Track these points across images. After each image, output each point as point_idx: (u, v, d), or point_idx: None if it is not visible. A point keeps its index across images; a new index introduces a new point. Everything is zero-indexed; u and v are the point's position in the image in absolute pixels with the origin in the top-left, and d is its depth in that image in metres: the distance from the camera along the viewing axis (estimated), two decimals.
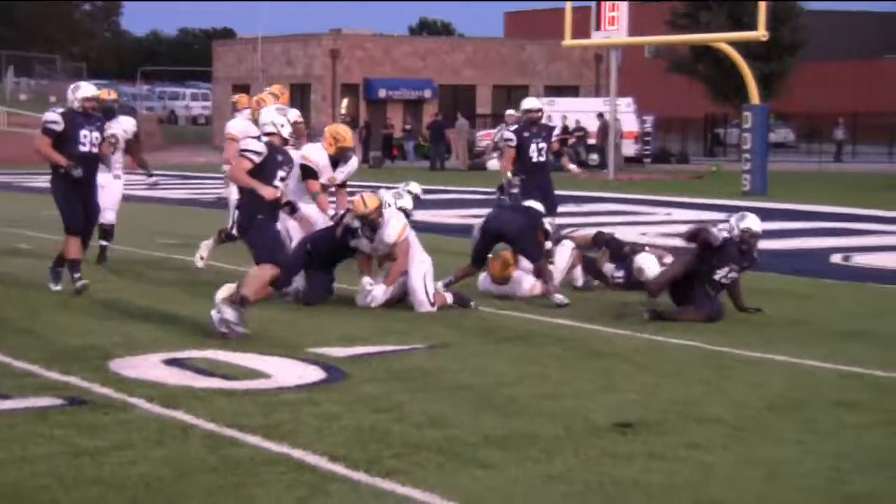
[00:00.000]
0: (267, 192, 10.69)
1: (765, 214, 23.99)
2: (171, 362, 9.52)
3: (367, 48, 63.57)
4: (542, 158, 15.57)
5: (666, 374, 9.39)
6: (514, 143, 15.61)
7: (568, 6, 30.95)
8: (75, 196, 12.72)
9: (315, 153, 13.12)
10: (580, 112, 48.82)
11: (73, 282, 12.73)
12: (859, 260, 16.88)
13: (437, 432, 7.55)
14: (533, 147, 15.48)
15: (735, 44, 33.28)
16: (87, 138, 12.60)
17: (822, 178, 40.57)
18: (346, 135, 13.30)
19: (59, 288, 12.82)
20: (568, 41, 32.41)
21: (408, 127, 56.27)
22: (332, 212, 13.05)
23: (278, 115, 11.05)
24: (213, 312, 10.56)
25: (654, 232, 20.06)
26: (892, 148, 54.05)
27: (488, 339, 10.89)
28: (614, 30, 33.99)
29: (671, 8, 60.37)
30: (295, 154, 12.41)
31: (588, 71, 66.83)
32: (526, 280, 13.07)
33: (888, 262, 16.49)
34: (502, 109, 59.58)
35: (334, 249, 12.56)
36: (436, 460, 6.98)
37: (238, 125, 14.66)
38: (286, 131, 10.95)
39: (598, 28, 33.63)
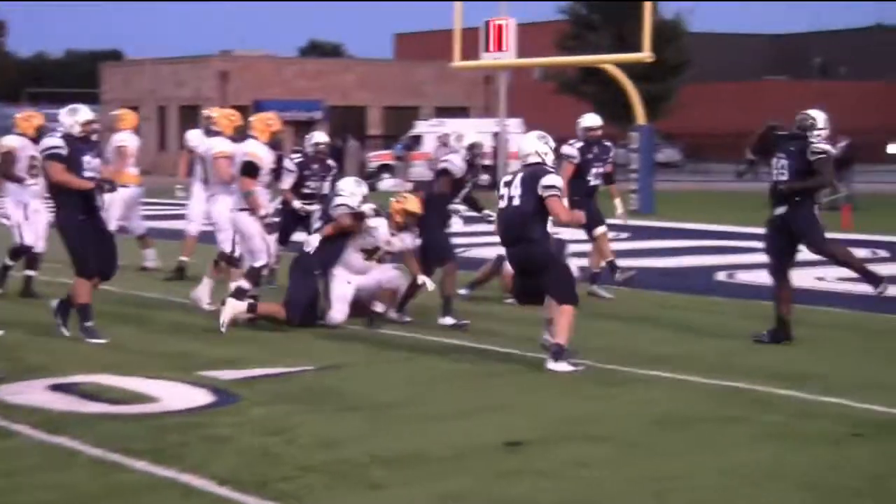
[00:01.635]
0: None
1: (653, 233, 24.35)
2: (57, 388, 9.38)
3: (258, 69, 63.34)
4: (597, 183, 14.98)
5: (555, 393, 9.45)
6: (576, 161, 14.80)
7: (457, 28, 31.10)
8: (90, 233, 11.50)
9: (260, 150, 12.73)
10: (469, 133, 49.00)
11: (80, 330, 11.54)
12: (743, 277, 17.15)
13: (326, 454, 7.52)
14: (593, 170, 14.87)
15: (621, 65, 33.69)
16: (90, 164, 11.55)
17: (710, 197, 41.16)
18: (275, 118, 13.24)
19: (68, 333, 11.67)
20: (457, 63, 32.54)
21: (298, 149, 56.04)
22: (264, 211, 12.81)
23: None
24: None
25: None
26: None
27: (379, 359, 10.88)
28: (503, 51, 34.16)
29: (559, 30, 60.95)
30: (238, 151, 12.87)
31: (478, 92, 67.17)
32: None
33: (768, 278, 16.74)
34: (392, 130, 59.91)
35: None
36: (325, 482, 6.95)
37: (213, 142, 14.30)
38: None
39: (487, 50, 33.81)
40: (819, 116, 11.69)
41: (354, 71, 67.52)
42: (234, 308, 12.10)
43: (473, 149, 13.49)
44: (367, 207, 12.69)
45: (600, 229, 14.81)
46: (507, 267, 14.02)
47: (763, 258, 14.53)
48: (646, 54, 28.04)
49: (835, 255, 11.88)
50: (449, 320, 12.54)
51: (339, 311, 12.52)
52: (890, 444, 7.81)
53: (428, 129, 49.27)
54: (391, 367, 10.49)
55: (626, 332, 12.22)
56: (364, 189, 12.84)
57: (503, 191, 10.61)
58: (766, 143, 11.67)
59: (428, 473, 7.17)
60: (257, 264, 12.73)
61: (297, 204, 15.04)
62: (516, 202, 10.45)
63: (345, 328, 12.31)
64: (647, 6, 27.80)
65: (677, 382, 9.85)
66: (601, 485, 6.98)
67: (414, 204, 12.75)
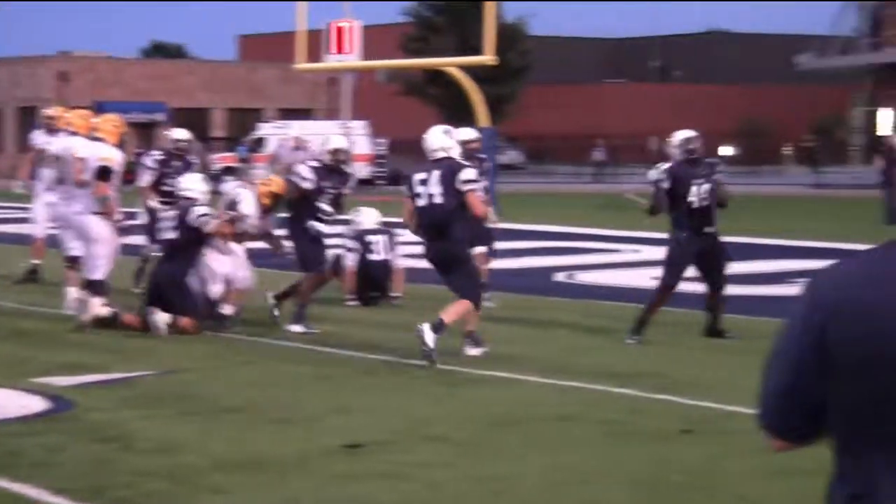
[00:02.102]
0: None
1: (496, 234, 24.47)
2: None
3: (98, 70, 62.35)
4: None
5: (395, 394, 9.53)
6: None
7: (300, 29, 31.00)
8: None
9: (112, 153, 12.67)
10: (314, 135, 48.92)
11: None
12: (582, 278, 17.44)
13: (166, 459, 7.49)
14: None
15: (465, 67, 33.93)
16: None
17: (551, 199, 41.70)
18: (119, 120, 13.23)
19: None
20: (300, 65, 32.42)
21: (140, 151, 55.27)
22: (118, 216, 12.65)
23: None
24: None
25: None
26: (618, 167, 55.86)
27: (218, 363, 10.84)
28: (347, 53, 34.15)
29: (403, 32, 61.17)
30: (90, 155, 12.60)
31: (322, 94, 67.04)
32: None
33: (608, 279, 17.09)
34: (236, 132, 59.46)
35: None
36: (165, 488, 6.92)
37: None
38: None
39: (330, 52, 33.75)
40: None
41: (197, 72, 66.85)
42: (93, 307, 11.96)
43: (337, 154, 12.83)
44: (232, 186, 12.83)
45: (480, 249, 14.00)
46: (349, 267, 14.08)
47: (602, 258, 14.78)
48: (488, 57, 28.28)
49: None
50: (298, 328, 12.43)
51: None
52: (717, 439, 8.04)
53: (272, 131, 49.04)
54: (232, 372, 10.46)
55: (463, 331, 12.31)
56: (207, 185, 12.78)
57: (420, 189, 10.78)
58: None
59: (268, 478, 7.18)
60: (96, 277, 12.46)
61: (153, 203, 14.75)
62: (438, 200, 10.66)
63: (183, 335, 12.21)
64: (490, 9, 28.05)
65: (516, 382, 10.00)
66: (440, 486, 7.07)
67: (279, 186, 12.79)
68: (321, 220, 12.57)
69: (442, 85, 56.52)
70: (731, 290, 12.38)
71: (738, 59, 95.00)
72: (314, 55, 33.93)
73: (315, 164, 12.84)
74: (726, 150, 63.61)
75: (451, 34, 57.56)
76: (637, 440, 8.06)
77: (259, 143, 49.03)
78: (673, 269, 11.86)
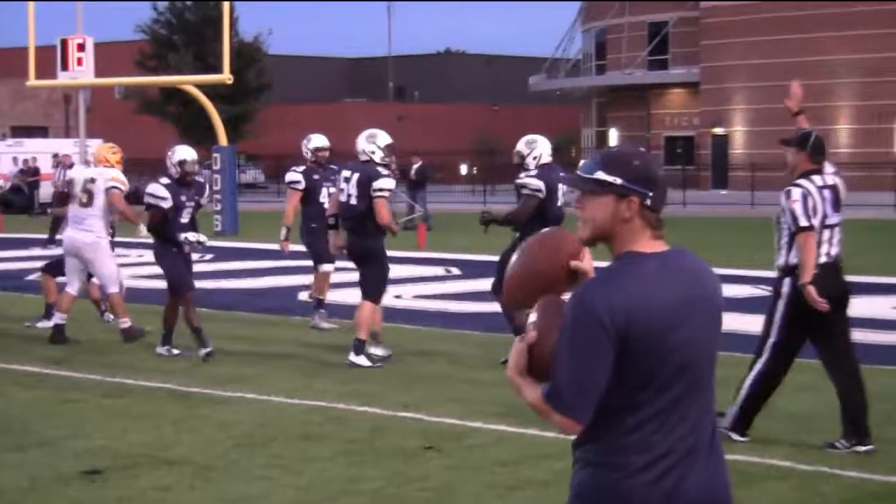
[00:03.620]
0: None
1: (237, 254, 24.37)
2: None
3: None
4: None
5: (136, 418, 9.38)
6: (301, 187, 14.25)
7: (31, 45, 30.19)
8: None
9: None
10: (43, 153, 47.74)
11: None
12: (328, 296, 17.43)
13: None
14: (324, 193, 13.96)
15: (202, 86, 33.64)
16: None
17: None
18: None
19: None
20: (32, 82, 31.57)
21: None
22: None
23: None
24: None
25: (128, 274, 19.87)
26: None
27: None
28: (81, 70, 33.40)
29: (140, 49, 60.18)
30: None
31: (57, 111, 65.35)
32: None
33: (351, 298, 17.14)
34: None
35: None
36: None
37: None
38: None
39: (64, 68, 32.95)
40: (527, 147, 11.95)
41: None
42: None
43: (184, 165, 12.39)
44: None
45: (326, 267, 14.14)
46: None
47: (344, 277, 14.88)
48: (225, 76, 28.13)
49: None
50: (203, 351, 12.00)
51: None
52: (458, 454, 8.19)
53: (4, 150, 47.69)
54: None
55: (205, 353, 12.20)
56: None
57: (343, 185, 11.72)
58: None
59: None
60: None
61: None
62: (353, 201, 11.57)
63: None
64: (226, 27, 27.90)
65: (260, 402, 9.97)
66: None
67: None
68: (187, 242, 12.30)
69: (180, 103, 55.90)
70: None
71: (475, 80, 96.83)
72: (48, 71, 33.13)
73: (166, 181, 12.35)
74: (464, 169, 64.77)
75: (188, 52, 56.93)
76: (380, 458, 8.13)
77: None
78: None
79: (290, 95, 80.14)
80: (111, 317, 13.89)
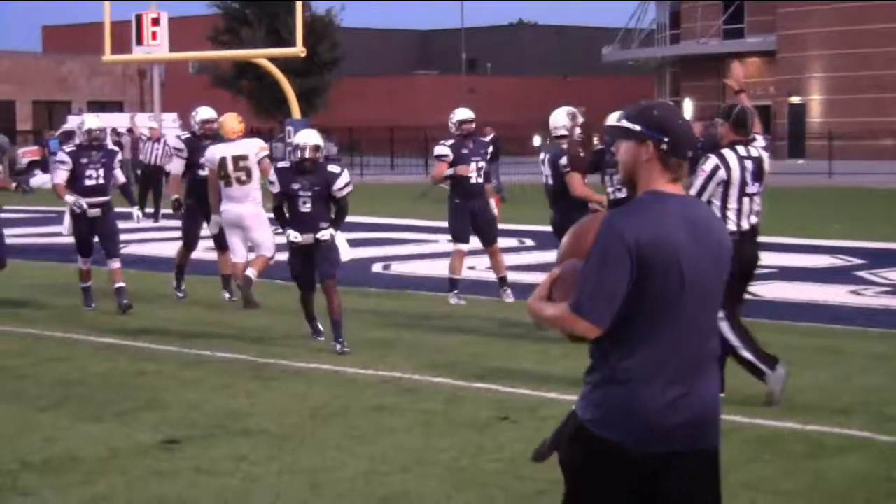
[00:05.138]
0: None
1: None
2: None
3: None
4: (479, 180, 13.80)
5: (211, 388, 9.45)
6: (449, 159, 13.76)
7: (107, 21, 30.43)
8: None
9: None
10: (120, 128, 48.17)
11: None
12: (398, 268, 17.51)
13: None
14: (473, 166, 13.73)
15: (275, 60, 33.73)
16: None
17: (365, 190, 41.73)
18: None
19: None
20: (108, 57, 31.80)
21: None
22: None
23: None
24: None
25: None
26: (429, 159, 56.25)
27: (24, 360, 10.59)
28: (156, 45, 33.59)
29: (212, 24, 60.49)
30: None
31: (131, 86, 65.92)
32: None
33: (423, 269, 17.20)
34: (43, 126, 58.10)
35: None
36: None
37: None
38: None
39: (139, 43, 33.14)
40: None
41: (0, 64, 65.00)
42: None
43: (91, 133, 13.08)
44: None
45: (461, 246, 13.89)
46: None
47: (417, 249, 14.87)
48: (298, 49, 28.18)
49: None
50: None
51: None
52: (532, 425, 8.17)
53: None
54: (37, 370, 10.22)
55: (281, 326, 12.27)
56: None
57: (541, 167, 12.20)
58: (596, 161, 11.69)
59: (80, 477, 7.06)
60: None
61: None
62: (549, 181, 12.06)
63: None
64: (299, 2, 27.94)
65: (333, 374, 10.01)
66: (258, 479, 7.04)
67: None
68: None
69: (252, 77, 56.13)
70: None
71: (546, 51, 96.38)
72: (122, 47, 33.39)
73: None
74: (537, 141, 64.54)
75: (261, 26, 57.13)
76: (454, 428, 8.13)
77: (69, 136, 47.99)
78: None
79: (362, 68, 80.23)
80: (227, 295, 13.97)
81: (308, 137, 11.13)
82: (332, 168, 11.31)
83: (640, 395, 3.86)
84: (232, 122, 13.14)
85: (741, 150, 8.77)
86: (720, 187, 8.68)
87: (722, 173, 8.64)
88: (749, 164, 8.74)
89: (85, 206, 13.14)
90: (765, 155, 8.90)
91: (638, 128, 3.97)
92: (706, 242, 3.93)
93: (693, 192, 8.55)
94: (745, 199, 8.74)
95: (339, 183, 11.16)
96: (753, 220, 8.81)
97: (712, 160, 8.68)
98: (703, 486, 3.98)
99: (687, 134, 3.99)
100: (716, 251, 3.97)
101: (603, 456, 3.91)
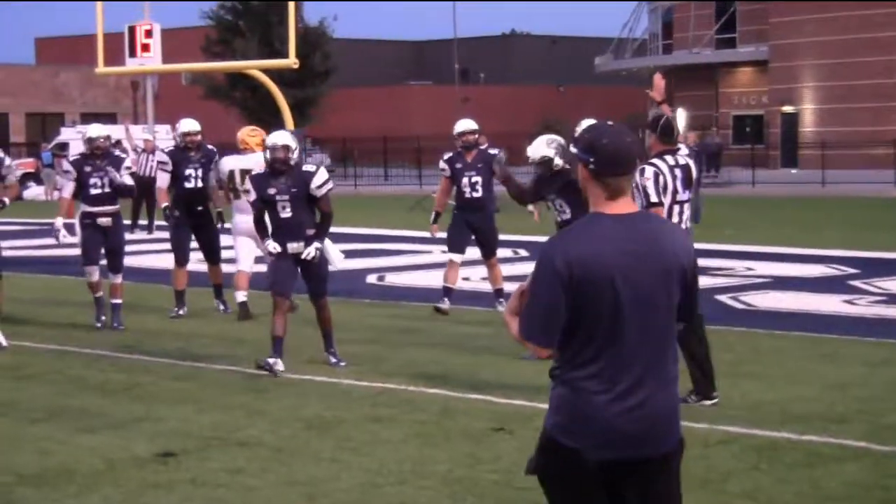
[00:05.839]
0: None
1: None
2: None
3: None
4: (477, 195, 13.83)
5: (206, 400, 9.43)
6: (447, 174, 13.97)
7: (99, 32, 30.43)
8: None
9: None
10: (124, 139, 48.12)
11: None
12: (393, 279, 17.50)
13: None
14: (464, 180, 13.80)
15: (268, 71, 33.74)
16: None
17: (359, 201, 41.74)
18: None
19: None
20: (101, 69, 31.78)
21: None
22: None
23: None
24: None
25: None
26: (423, 169, 56.27)
27: (18, 373, 10.58)
28: (148, 56, 33.59)
29: (205, 35, 60.51)
30: None
31: (125, 97, 65.90)
32: None
33: (418, 280, 17.19)
34: (37, 137, 58.02)
35: None
36: None
37: None
38: None
39: (132, 55, 33.14)
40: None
41: None
42: None
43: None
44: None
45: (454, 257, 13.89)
46: None
47: (412, 260, 14.86)
48: (291, 60, 28.18)
49: None
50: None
51: None
52: (529, 436, 8.15)
53: (74, 136, 48.09)
54: (27, 384, 10.20)
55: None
56: None
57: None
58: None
59: (75, 489, 7.05)
60: None
61: None
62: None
63: None
64: (291, 12, 27.96)
65: (329, 385, 10.00)
66: (253, 490, 7.04)
67: None
68: None
69: (246, 88, 56.15)
70: None
71: (539, 61, 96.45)
72: (115, 58, 33.39)
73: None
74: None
75: (254, 37, 57.16)
76: (450, 440, 8.13)
77: (62, 147, 47.96)
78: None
79: (355, 79, 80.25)
80: (223, 306, 14.02)
81: (277, 137, 10.98)
82: (308, 167, 10.97)
83: (593, 404, 4.03)
84: (244, 135, 13.63)
85: (669, 159, 8.93)
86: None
87: (661, 179, 8.84)
88: (678, 172, 8.91)
89: (63, 233, 13.04)
90: (691, 163, 9.08)
91: (574, 150, 4.18)
92: (651, 256, 4.06)
93: (654, 199, 8.74)
94: (676, 207, 8.91)
95: (317, 181, 10.72)
96: (685, 226, 8.92)
97: (650, 168, 8.86)
98: (659, 493, 4.14)
99: (613, 153, 4.07)
100: (664, 262, 4.08)
101: (564, 462, 4.09)
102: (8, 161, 12.31)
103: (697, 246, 4.43)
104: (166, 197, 14.21)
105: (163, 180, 14.22)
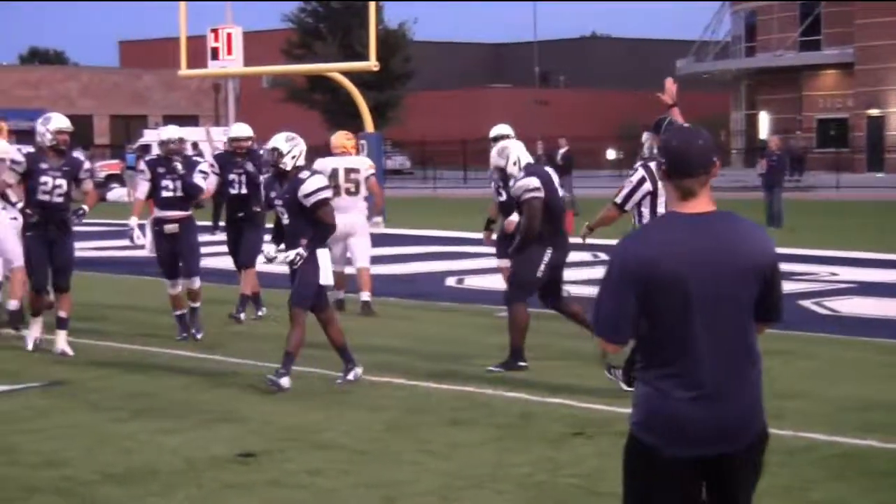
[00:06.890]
0: None
1: (383, 240, 24.55)
2: None
3: None
4: None
5: (286, 402, 9.48)
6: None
7: (182, 36, 30.74)
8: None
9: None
10: (204, 141, 48.57)
11: None
12: (472, 282, 17.49)
13: (52, 472, 7.38)
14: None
15: (348, 73, 33.92)
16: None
17: (438, 203, 41.80)
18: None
19: None
20: (184, 71, 32.12)
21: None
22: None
23: None
24: None
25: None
26: None
27: (102, 372, 10.69)
28: (230, 59, 33.90)
29: (286, 38, 60.94)
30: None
31: (206, 100, 66.54)
32: None
33: (497, 283, 17.14)
34: (120, 140, 58.77)
35: None
36: (53, 502, 6.81)
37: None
38: None
39: (214, 58, 33.46)
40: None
41: (78, 79, 65.94)
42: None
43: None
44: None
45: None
46: None
47: (491, 263, 14.84)
48: (372, 63, 28.29)
49: None
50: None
51: None
52: (608, 440, 8.12)
53: (156, 138, 48.59)
54: (116, 382, 10.32)
55: (357, 339, 12.28)
56: None
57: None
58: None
59: (158, 488, 7.11)
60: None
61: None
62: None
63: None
64: (372, 14, 28.07)
65: (407, 388, 10.00)
66: (332, 493, 7.05)
67: None
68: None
69: (325, 91, 56.50)
70: None
71: (620, 64, 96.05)
72: (197, 61, 33.71)
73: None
74: (610, 154, 64.35)
75: (334, 41, 57.48)
76: (528, 444, 8.10)
77: (145, 149, 48.53)
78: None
79: (434, 81, 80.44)
80: (265, 309, 14.01)
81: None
82: (303, 174, 10.00)
83: (669, 403, 4.13)
84: (340, 139, 14.56)
85: None
86: (648, 197, 9.48)
87: (647, 185, 9.38)
88: None
89: (137, 234, 12.80)
90: None
91: (656, 151, 4.40)
92: (724, 255, 4.12)
93: (619, 200, 9.56)
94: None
95: (304, 189, 9.84)
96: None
97: (639, 172, 9.42)
98: (735, 488, 4.21)
99: (679, 155, 4.16)
100: (738, 261, 4.13)
101: (643, 458, 4.18)
102: (87, 164, 12.21)
103: (779, 250, 4.35)
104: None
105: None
